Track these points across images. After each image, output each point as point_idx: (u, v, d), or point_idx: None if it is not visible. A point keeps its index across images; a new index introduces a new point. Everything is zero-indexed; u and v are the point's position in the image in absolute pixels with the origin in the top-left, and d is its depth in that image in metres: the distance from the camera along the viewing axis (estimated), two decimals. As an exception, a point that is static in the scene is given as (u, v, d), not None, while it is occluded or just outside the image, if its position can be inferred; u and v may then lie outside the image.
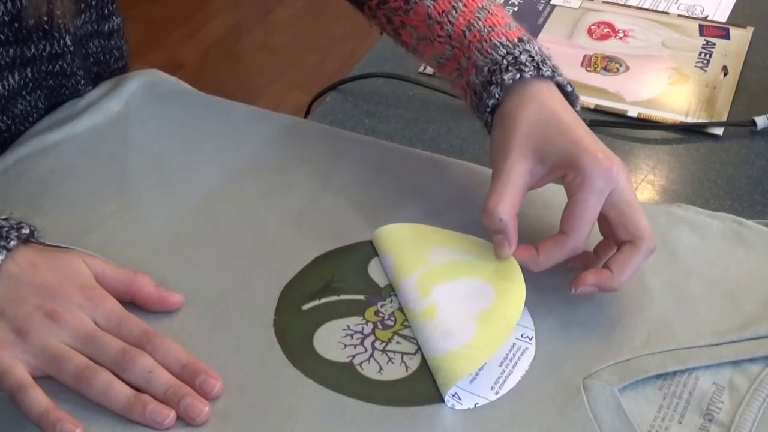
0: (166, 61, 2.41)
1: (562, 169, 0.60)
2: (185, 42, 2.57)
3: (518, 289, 0.60)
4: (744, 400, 0.56)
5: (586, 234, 0.59)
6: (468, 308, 0.60)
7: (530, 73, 0.63)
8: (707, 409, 0.56)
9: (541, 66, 0.64)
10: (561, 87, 0.65)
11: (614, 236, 0.61)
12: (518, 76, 0.63)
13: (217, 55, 2.54)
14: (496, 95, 0.64)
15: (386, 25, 0.75)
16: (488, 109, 0.65)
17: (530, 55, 0.64)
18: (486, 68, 0.65)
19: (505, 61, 0.64)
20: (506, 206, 0.60)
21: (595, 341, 0.59)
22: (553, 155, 0.61)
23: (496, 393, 0.56)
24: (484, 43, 0.66)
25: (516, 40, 0.66)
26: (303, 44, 2.57)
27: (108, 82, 0.82)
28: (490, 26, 0.67)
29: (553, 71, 0.65)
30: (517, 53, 0.64)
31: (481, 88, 0.65)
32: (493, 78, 0.64)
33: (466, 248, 0.64)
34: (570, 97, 0.65)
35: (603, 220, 0.61)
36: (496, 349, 0.58)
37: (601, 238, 0.63)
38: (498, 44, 0.65)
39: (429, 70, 0.95)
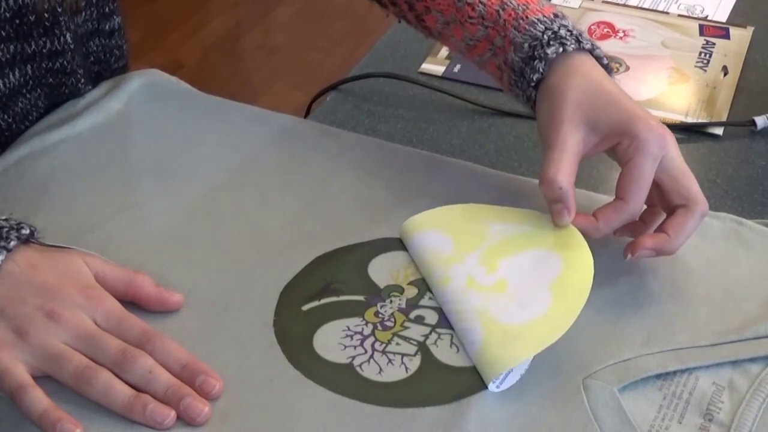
0: (166, 61, 2.41)
1: (616, 137, 0.62)
2: (185, 42, 2.57)
3: (585, 255, 0.61)
4: (744, 400, 0.56)
5: (643, 199, 0.61)
6: (539, 279, 0.61)
7: (572, 46, 0.65)
8: (707, 409, 0.56)
9: (580, 39, 0.66)
10: (598, 60, 0.67)
11: (667, 201, 0.62)
12: (561, 49, 0.65)
13: (217, 55, 2.54)
14: (541, 69, 0.65)
15: (407, 12, 0.76)
16: (533, 84, 0.66)
17: (568, 30, 0.66)
18: (526, 44, 0.66)
19: (545, 37, 0.65)
20: (564, 175, 0.61)
21: (595, 341, 0.59)
22: (605, 124, 0.62)
23: (497, 387, 0.56)
24: (521, 21, 0.67)
25: (552, 15, 0.67)
26: (303, 44, 2.57)
27: (108, 82, 0.82)
28: (524, 4, 0.68)
29: (592, 44, 0.66)
30: (555, 28, 0.66)
31: (523, 65, 0.66)
32: (535, 53, 0.65)
33: (522, 221, 0.65)
34: (606, 69, 0.67)
35: (653, 187, 0.62)
36: (575, 316, 0.57)
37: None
38: (535, 20, 0.66)
39: (429, 70, 0.95)
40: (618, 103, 0.63)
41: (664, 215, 0.63)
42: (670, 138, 0.61)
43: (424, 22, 0.75)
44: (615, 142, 0.62)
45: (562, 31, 0.65)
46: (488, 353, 0.57)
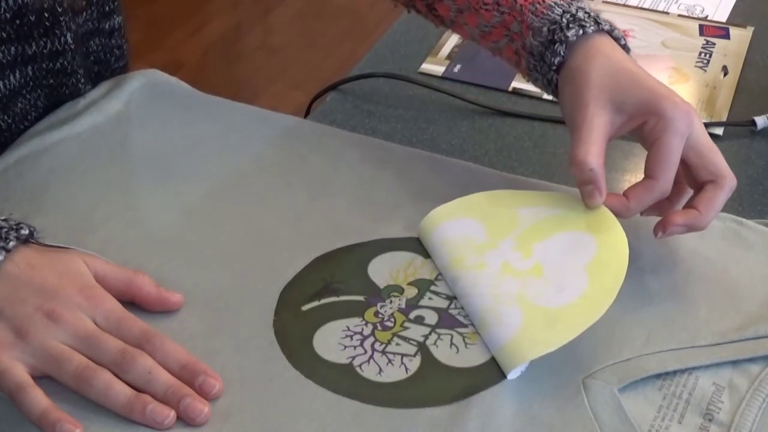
0: (166, 61, 2.41)
1: (643, 116, 0.62)
2: (185, 42, 2.57)
3: (618, 235, 0.61)
4: (744, 400, 0.56)
5: (673, 176, 0.62)
6: (574, 261, 0.61)
7: (591, 28, 0.65)
8: (707, 409, 0.56)
9: (598, 20, 0.66)
10: (616, 40, 0.67)
11: (694, 178, 0.63)
12: (581, 32, 0.65)
13: (217, 55, 2.54)
14: (561, 53, 0.66)
15: (417, 2, 0.76)
16: (554, 68, 0.66)
17: (585, 11, 0.66)
18: (545, 28, 0.66)
19: (564, 20, 0.65)
20: (594, 156, 0.62)
21: (595, 341, 0.59)
22: (631, 104, 0.63)
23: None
24: (538, 5, 0.67)
25: None
26: (303, 44, 2.57)
27: (108, 82, 0.82)
28: None
29: (610, 25, 0.67)
30: (573, 10, 0.66)
31: (543, 49, 0.66)
32: (555, 37, 0.66)
33: (553, 204, 0.66)
34: (624, 50, 0.67)
35: (679, 164, 0.62)
36: (614, 296, 0.58)
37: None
38: (552, 4, 0.67)
39: (429, 70, 0.95)
40: (642, 82, 0.63)
41: (690, 192, 0.64)
42: (695, 115, 0.62)
43: (436, 11, 0.75)
44: (641, 122, 0.63)
45: (580, 14, 0.66)
46: (529, 335, 0.57)
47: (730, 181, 0.62)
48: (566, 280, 0.60)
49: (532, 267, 0.62)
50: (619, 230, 0.62)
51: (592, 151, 0.62)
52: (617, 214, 0.63)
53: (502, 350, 0.58)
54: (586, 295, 0.59)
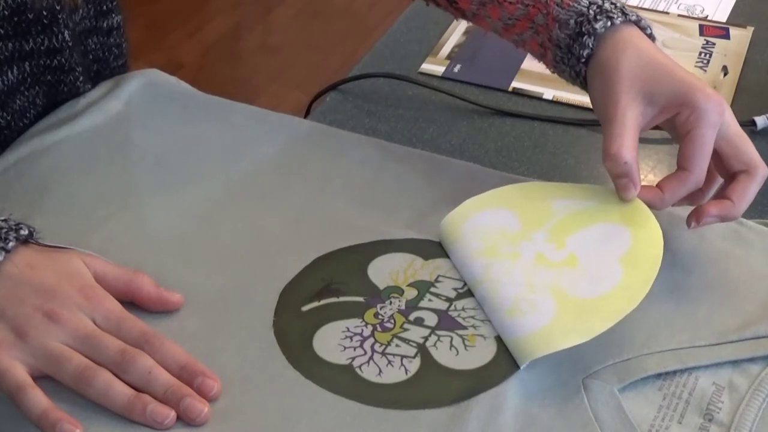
0: (166, 61, 2.41)
1: (675, 107, 0.62)
2: (185, 42, 2.57)
3: (653, 228, 0.62)
4: (744, 400, 0.56)
5: (706, 168, 0.62)
6: (608, 253, 0.61)
7: (619, 19, 0.65)
8: (707, 409, 0.56)
9: (625, 11, 0.66)
10: (643, 30, 0.67)
11: (726, 168, 0.63)
12: (609, 23, 0.65)
13: (217, 55, 2.54)
14: (590, 45, 0.65)
15: None
16: (582, 60, 0.66)
17: (612, 2, 0.66)
18: (572, 21, 0.66)
19: (591, 11, 0.65)
20: (628, 149, 0.62)
21: (595, 341, 0.59)
22: (662, 96, 0.63)
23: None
24: None
25: None
26: (303, 44, 2.57)
27: (108, 82, 0.82)
28: None
29: (637, 15, 0.67)
30: (600, 2, 0.66)
31: (570, 41, 0.66)
32: (583, 29, 0.65)
33: (586, 196, 0.66)
34: (651, 40, 0.67)
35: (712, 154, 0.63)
36: (648, 288, 0.58)
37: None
38: None
39: (429, 70, 0.95)
40: (673, 73, 0.63)
41: (720, 181, 0.65)
42: (726, 105, 0.62)
43: (457, 4, 0.75)
44: (673, 113, 0.63)
45: (607, 5, 0.66)
46: (561, 325, 0.57)
47: (762, 171, 0.62)
48: (601, 271, 0.60)
49: (566, 258, 0.62)
50: (654, 223, 0.62)
51: (626, 145, 0.62)
52: (652, 206, 0.63)
53: (531, 337, 0.57)
54: (621, 286, 0.59)
